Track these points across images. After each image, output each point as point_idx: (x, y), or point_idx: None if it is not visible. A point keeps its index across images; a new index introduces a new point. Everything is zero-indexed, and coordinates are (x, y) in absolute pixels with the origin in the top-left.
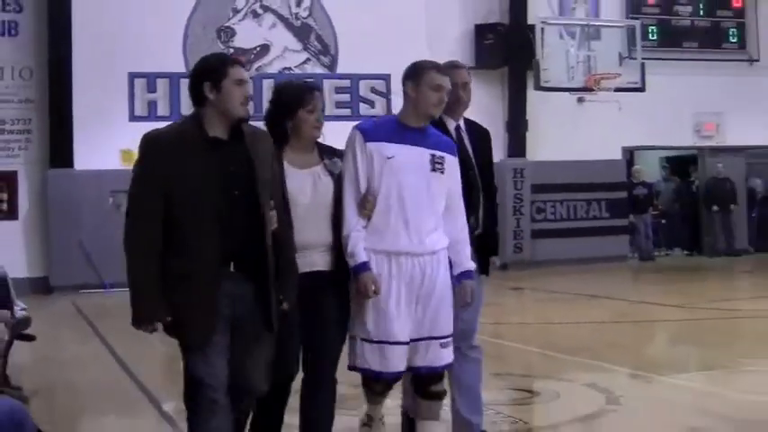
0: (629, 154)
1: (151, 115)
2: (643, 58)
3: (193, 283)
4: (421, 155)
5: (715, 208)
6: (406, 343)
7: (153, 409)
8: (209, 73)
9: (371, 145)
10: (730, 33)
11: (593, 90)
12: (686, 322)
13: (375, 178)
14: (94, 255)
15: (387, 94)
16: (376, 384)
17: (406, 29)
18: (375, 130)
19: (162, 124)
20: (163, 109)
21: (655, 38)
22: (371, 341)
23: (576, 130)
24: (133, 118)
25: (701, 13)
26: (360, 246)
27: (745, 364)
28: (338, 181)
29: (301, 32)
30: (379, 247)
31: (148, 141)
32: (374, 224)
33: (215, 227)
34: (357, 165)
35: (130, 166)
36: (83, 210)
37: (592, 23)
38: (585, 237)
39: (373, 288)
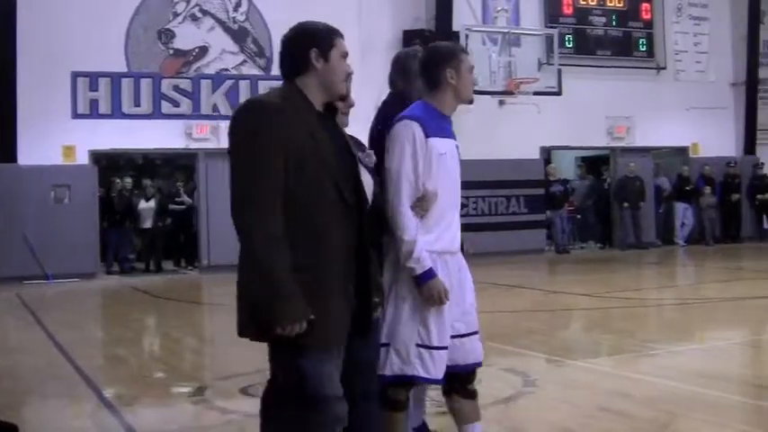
0: (547, 153)
1: (93, 113)
2: (560, 65)
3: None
4: (453, 147)
5: (625, 204)
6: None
7: (93, 395)
8: (318, 40)
9: (432, 141)
10: (640, 43)
11: (514, 93)
12: (598, 310)
13: (432, 176)
14: (37, 247)
15: None
16: (402, 392)
17: None
18: (429, 124)
19: (104, 122)
20: (104, 107)
21: (571, 46)
22: (431, 347)
23: (498, 130)
24: (75, 116)
25: (614, 23)
26: (425, 250)
27: (651, 348)
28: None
29: (238, 35)
30: (435, 248)
31: (268, 108)
32: (427, 224)
33: (340, 213)
34: (417, 161)
35: (73, 162)
36: (26, 204)
37: (513, 31)
38: (506, 231)
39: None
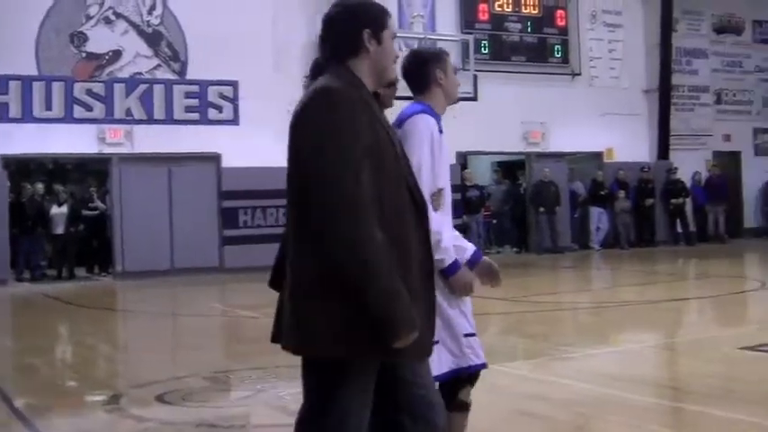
0: (463, 158)
1: (3, 117)
2: (476, 70)
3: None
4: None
5: (541, 209)
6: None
7: (4, 406)
8: (371, 20)
9: (442, 137)
10: (555, 49)
11: None
12: (514, 314)
13: (442, 173)
14: None
15: (234, 100)
16: (469, 390)
17: (254, 39)
18: (438, 120)
19: (14, 126)
20: (15, 111)
21: (487, 52)
22: (473, 334)
23: None
24: None
25: (529, 30)
26: (450, 242)
27: (567, 352)
28: None
29: (152, 39)
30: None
31: (348, 98)
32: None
33: (413, 217)
34: (435, 156)
35: None
36: None
37: (429, 37)
38: None
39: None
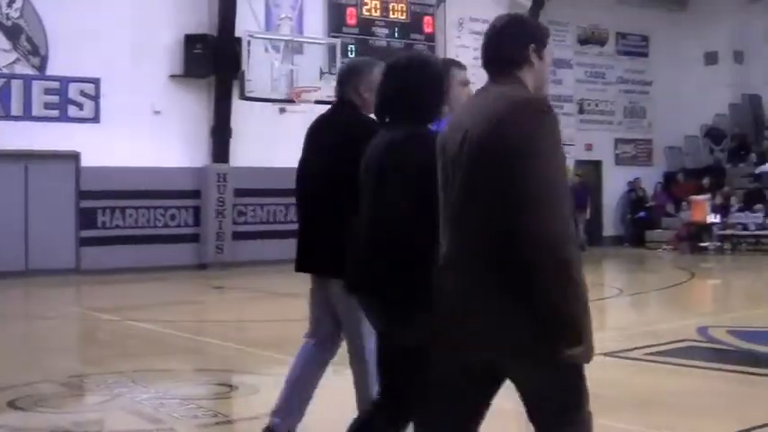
0: None
1: None
2: None
3: None
4: None
5: None
6: None
7: None
8: (537, 36)
9: None
10: None
11: (295, 101)
12: None
13: None
14: None
15: (96, 98)
16: None
17: (117, 35)
18: None
19: None
20: None
21: (354, 56)
22: None
23: (278, 138)
24: None
25: (397, 35)
26: None
27: None
28: None
29: (12, 32)
30: None
31: (551, 106)
32: None
33: None
34: None
35: None
36: None
37: (296, 39)
38: (284, 239)
39: None
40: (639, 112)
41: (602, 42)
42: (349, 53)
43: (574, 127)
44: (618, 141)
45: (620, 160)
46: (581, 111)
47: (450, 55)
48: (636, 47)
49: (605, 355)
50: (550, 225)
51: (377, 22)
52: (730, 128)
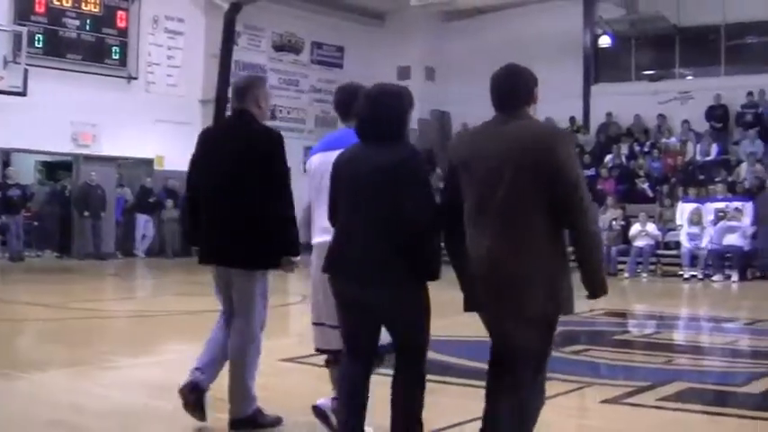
0: (6, 155)
1: None
2: (27, 64)
3: None
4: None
5: (86, 213)
6: None
7: None
8: (536, 81)
9: None
10: (113, 51)
11: None
12: (54, 321)
13: None
14: None
15: None
16: None
17: None
18: None
19: None
20: None
21: (41, 46)
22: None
23: None
24: None
25: (88, 28)
26: None
27: (109, 361)
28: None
29: None
30: None
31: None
32: None
33: None
34: None
35: None
36: None
37: None
38: None
39: None
40: (331, 122)
41: (297, 50)
42: (36, 43)
43: None
44: (308, 150)
45: None
46: (273, 117)
47: (143, 52)
48: (331, 57)
49: (284, 360)
50: (595, 224)
51: (68, 12)
52: (419, 143)
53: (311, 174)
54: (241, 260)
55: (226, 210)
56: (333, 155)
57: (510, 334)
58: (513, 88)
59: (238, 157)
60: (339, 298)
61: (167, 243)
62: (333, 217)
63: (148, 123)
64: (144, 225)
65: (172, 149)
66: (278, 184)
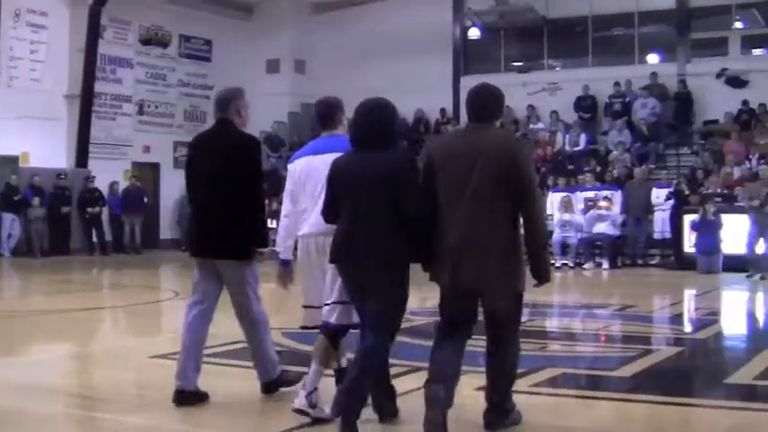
0: None
1: None
2: None
3: None
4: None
5: None
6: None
7: None
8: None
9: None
10: None
11: None
12: None
13: None
14: None
15: None
16: None
17: None
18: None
19: None
20: None
21: None
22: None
23: None
24: None
25: None
26: None
27: None
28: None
29: None
30: None
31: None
32: None
33: None
34: None
35: None
36: None
37: None
38: None
39: None
40: (200, 116)
41: (164, 44)
42: None
43: (132, 128)
44: (177, 144)
45: (178, 163)
46: (141, 112)
47: (5, 48)
48: (199, 50)
49: (156, 357)
50: (540, 209)
51: None
52: (289, 136)
53: (295, 176)
54: (232, 252)
55: (218, 209)
56: (317, 159)
57: (494, 298)
58: (486, 104)
59: (224, 161)
60: (347, 282)
61: (34, 242)
62: (328, 214)
63: (12, 120)
64: (10, 224)
65: (38, 146)
66: (255, 185)
